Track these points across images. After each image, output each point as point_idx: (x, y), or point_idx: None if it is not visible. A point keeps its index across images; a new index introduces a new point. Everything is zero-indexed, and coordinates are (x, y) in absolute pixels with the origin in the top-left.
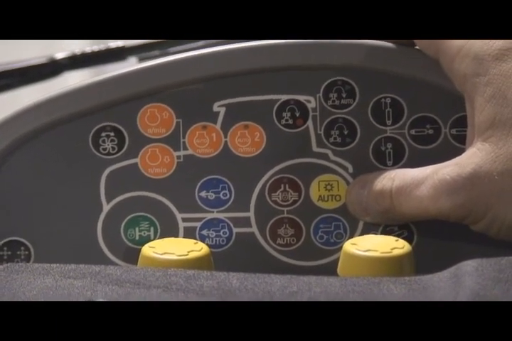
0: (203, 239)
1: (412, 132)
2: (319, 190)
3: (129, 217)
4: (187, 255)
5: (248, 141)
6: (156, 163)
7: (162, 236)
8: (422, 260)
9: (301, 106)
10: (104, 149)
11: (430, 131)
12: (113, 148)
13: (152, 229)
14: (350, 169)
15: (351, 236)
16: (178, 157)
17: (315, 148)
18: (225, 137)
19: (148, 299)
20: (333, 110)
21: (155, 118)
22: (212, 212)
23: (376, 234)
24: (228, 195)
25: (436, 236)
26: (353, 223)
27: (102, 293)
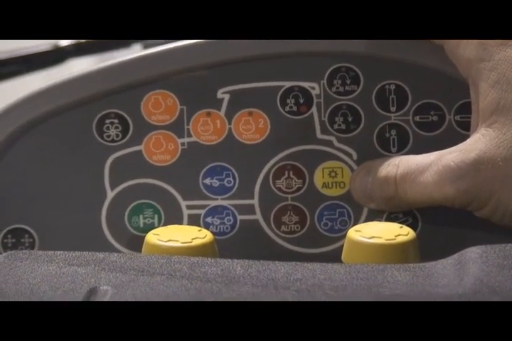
0: (207, 226)
1: (417, 119)
2: (323, 177)
3: (133, 204)
4: (191, 242)
5: (252, 127)
6: (160, 150)
7: (166, 224)
8: (427, 247)
9: (306, 92)
10: (108, 136)
11: (434, 118)
12: (117, 135)
13: (156, 216)
14: (355, 156)
15: (355, 223)
16: (182, 144)
17: (319, 135)
18: (229, 124)
19: (152, 286)
20: (337, 97)
21: (159, 105)
22: (217, 199)
23: (380, 220)
24: (232, 182)
25: (440, 223)
26: (358, 210)
27: (106, 280)
